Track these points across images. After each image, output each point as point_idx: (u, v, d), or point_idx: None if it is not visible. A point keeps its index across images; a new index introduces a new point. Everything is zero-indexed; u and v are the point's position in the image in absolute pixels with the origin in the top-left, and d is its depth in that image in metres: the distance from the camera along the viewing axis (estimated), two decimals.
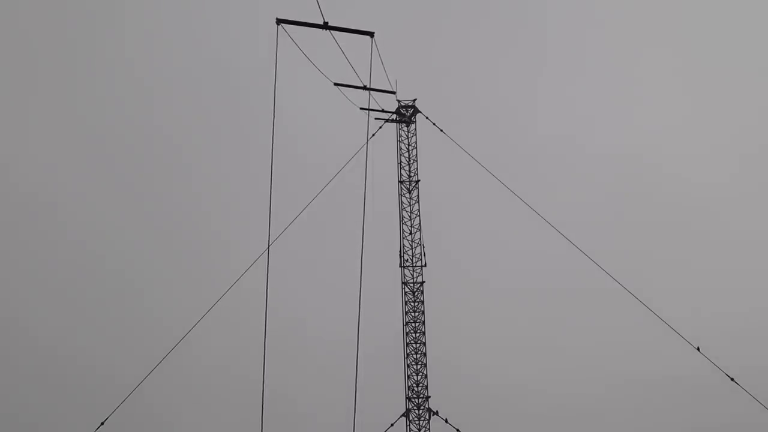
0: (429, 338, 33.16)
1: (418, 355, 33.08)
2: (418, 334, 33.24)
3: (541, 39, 58.68)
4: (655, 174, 52.74)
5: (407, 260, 34.12)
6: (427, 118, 35.59)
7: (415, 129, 35.56)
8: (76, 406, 41.56)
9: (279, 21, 23.32)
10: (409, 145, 35.42)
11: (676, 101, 55.60)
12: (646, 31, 57.80)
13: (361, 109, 33.99)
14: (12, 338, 44.19)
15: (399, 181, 35.18)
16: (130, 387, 30.32)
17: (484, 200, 46.38)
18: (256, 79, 51.86)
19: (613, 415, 43.06)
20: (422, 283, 33.89)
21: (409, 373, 32.99)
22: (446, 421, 32.40)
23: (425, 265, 34.04)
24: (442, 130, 35.28)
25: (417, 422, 32.52)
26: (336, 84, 32.59)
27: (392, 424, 32.79)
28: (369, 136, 30.34)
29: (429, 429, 32.50)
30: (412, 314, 33.43)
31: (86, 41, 55.90)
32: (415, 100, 35.83)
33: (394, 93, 34.19)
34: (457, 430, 32.22)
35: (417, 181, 34.96)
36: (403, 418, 32.68)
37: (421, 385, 32.91)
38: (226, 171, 54.21)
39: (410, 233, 34.42)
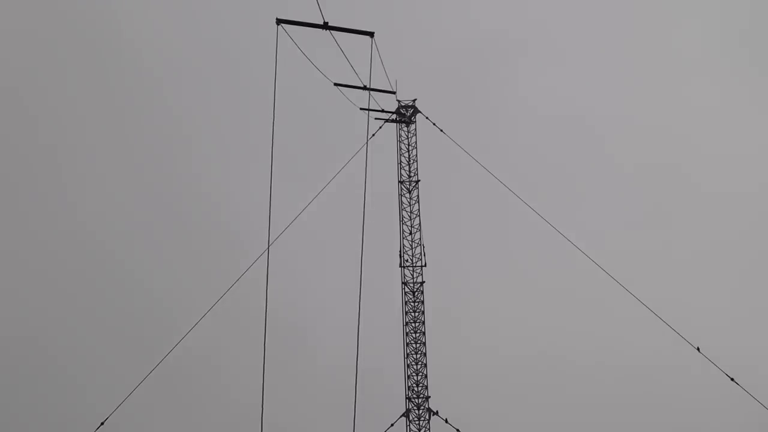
0: (429, 338, 33.17)
1: (418, 355, 33.06)
2: (418, 334, 33.22)
3: (542, 38, 58.77)
4: (652, 173, 52.81)
5: (407, 260, 34.11)
6: (427, 118, 35.58)
7: (415, 129, 35.56)
8: (76, 406, 41.55)
9: (279, 21, 23.26)
10: (409, 145, 35.41)
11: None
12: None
13: (361, 109, 33.97)
14: (10, 338, 44.17)
15: (399, 181, 35.17)
16: (130, 387, 30.31)
17: (484, 200, 46.42)
18: (256, 79, 51.91)
19: (614, 412, 43.05)
20: (422, 283, 33.86)
21: (409, 373, 32.97)
22: (446, 421, 32.36)
23: (425, 265, 34.02)
24: (442, 130, 35.28)
25: (417, 422, 32.50)
26: (336, 84, 32.54)
27: (392, 424, 32.75)
28: (369, 136, 30.31)
29: (429, 429, 32.48)
30: (412, 314, 33.41)
31: (85, 41, 55.93)
32: (415, 100, 35.84)
33: (394, 93, 34.18)
34: (457, 430, 32.19)
35: (417, 181, 34.94)
36: (403, 418, 32.65)
37: (421, 385, 32.89)
38: (225, 171, 54.26)
39: (410, 233, 34.41)
